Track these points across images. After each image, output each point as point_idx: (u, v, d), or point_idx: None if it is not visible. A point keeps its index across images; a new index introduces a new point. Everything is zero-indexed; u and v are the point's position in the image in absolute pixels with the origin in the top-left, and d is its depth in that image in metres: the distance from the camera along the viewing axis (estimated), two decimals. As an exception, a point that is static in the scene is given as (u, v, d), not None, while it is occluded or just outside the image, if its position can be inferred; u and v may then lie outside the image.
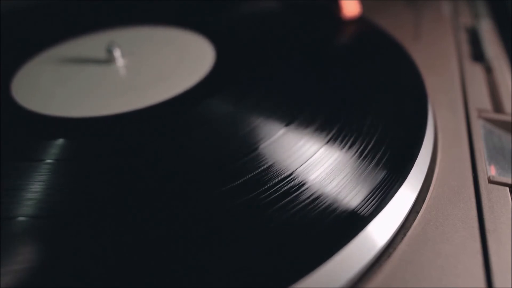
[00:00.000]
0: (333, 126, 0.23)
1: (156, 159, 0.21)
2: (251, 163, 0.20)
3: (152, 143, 0.22)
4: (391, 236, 0.18)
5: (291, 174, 0.20)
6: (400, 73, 0.29)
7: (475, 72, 0.32)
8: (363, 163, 0.20)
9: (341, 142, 0.22)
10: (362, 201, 0.18)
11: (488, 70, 0.32)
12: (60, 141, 0.23)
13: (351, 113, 0.24)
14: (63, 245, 0.17)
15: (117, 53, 0.31)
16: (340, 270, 0.16)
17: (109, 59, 0.31)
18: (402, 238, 0.18)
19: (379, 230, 0.18)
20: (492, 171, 0.22)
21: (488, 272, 0.16)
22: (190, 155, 0.21)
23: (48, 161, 0.21)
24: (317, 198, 0.18)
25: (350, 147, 0.21)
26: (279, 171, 0.20)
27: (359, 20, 0.37)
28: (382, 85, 0.27)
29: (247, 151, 0.21)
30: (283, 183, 0.19)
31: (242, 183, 0.19)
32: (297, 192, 0.19)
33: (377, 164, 0.20)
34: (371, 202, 0.18)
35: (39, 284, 0.15)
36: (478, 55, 0.34)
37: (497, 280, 0.16)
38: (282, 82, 0.28)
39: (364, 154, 0.21)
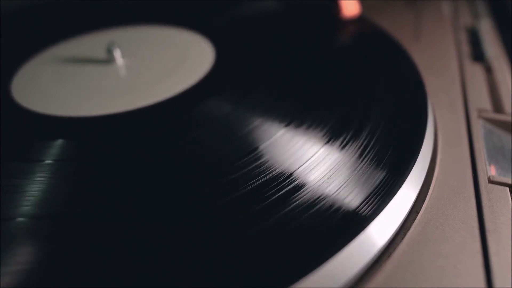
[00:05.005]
0: (333, 126, 0.23)
1: (156, 159, 0.21)
2: (251, 163, 0.20)
3: (152, 142, 0.22)
4: (391, 236, 0.18)
5: (291, 174, 0.20)
6: (400, 73, 0.29)
7: (475, 72, 0.32)
8: (363, 163, 0.20)
9: (341, 142, 0.22)
10: (362, 201, 0.18)
11: (488, 70, 0.32)
12: (60, 141, 0.23)
13: (351, 113, 0.24)
14: (63, 245, 0.17)
15: (117, 53, 0.31)
16: (340, 270, 0.16)
17: (109, 59, 0.31)
18: (402, 238, 0.18)
19: (379, 230, 0.18)
20: (492, 171, 0.22)
21: (488, 272, 0.16)
22: (190, 155, 0.21)
23: (48, 161, 0.21)
24: (317, 198, 0.18)
25: (350, 147, 0.21)
26: (279, 171, 0.20)
27: (359, 20, 0.37)
28: (382, 85, 0.27)
29: (247, 151, 0.21)
30: (283, 183, 0.19)
31: (241, 183, 0.19)
32: (297, 192, 0.19)
33: (377, 164, 0.20)
34: (371, 202, 0.18)
35: (39, 284, 0.15)
36: (478, 55, 0.34)
37: (497, 280, 0.16)
38: (282, 82, 0.28)
39: (364, 154, 0.21)
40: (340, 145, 0.22)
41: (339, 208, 0.18)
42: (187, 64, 0.30)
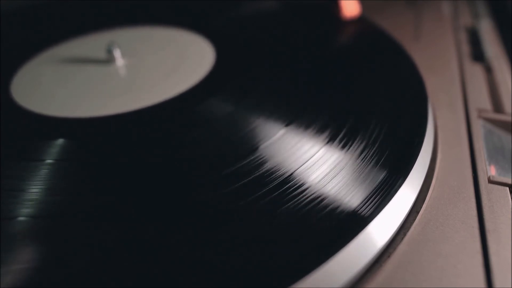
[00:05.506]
0: (333, 126, 0.23)
1: (156, 159, 0.21)
2: (251, 163, 0.20)
3: (152, 143, 0.22)
4: (391, 236, 0.18)
5: (291, 174, 0.20)
6: (400, 73, 0.29)
7: (475, 72, 0.32)
8: (363, 163, 0.20)
9: (341, 142, 0.22)
10: (362, 201, 0.18)
11: (488, 70, 0.32)
12: (60, 141, 0.23)
13: (351, 113, 0.24)
14: (63, 245, 0.17)
15: (117, 53, 0.31)
16: (340, 270, 0.16)
17: (109, 59, 0.31)
18: (402, 238, 0.18)
19: (379, 230, 0.18)
20: (492, 171, 0.22)
21: (488, 272, 0.16)
22: (190, 155, 0.21)
23: (48, 161, 0.21)
24: (317, 198, 0.18)
25: (350, 147, 0.21)
26: (279, 171, 0.20)
27: (359, 20, 0.37)
28: (382, 85, 0.27)
29: (247, 151, 0.21)
30: (283, 183, 0.19)
31: (241, 183, 0.19)
32: (297, 192, 0.19)
33: (377, 164, 0.20)
34: (371, 202, 0.18)
35: (39, 284, 0.15)
36: (478, 55, 0.34)
37: (497, 280, 0.16)
38: (282, 82, 0.28)
39: (364, 154, 0.21)
40: (340, 145, 0.22)
41: (339, 208, 0.18)
42: (187, 64, 0.30)
